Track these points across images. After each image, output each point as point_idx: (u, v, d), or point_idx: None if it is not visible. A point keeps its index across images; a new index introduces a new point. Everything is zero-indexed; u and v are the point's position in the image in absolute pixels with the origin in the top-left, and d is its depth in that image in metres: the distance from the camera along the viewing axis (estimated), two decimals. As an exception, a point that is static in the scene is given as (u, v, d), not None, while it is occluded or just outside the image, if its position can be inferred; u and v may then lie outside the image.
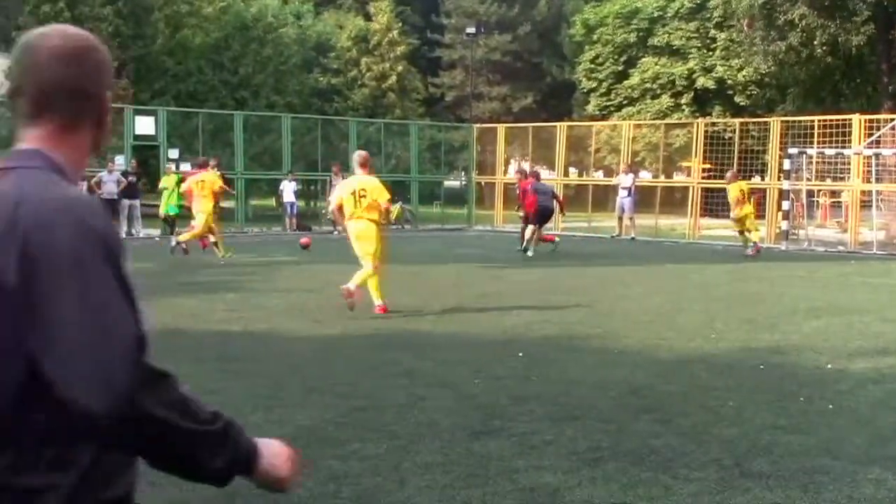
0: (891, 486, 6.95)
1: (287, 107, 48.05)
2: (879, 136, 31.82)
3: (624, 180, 36.16)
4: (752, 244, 27.90)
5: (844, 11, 36.26)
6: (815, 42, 36.26)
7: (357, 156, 16.05)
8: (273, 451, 2.58)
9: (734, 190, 27.82)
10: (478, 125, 47.31)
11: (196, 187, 24.12)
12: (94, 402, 2.20)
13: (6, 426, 2.27)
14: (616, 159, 41.18)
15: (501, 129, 43.82)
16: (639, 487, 6.77)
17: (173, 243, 24.98)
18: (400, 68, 58.92)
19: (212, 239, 24.54)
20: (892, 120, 32.15)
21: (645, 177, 42.42)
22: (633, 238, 35.32)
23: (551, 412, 8.91)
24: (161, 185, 32.39)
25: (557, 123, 43.29)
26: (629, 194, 35.94)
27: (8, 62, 2.52)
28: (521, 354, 11.86)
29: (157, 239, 31.42)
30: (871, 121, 32.75)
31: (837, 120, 33.11)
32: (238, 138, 36.67)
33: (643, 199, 39.46)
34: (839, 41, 36.27)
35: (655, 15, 60.86)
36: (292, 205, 37.34)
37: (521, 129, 44.94)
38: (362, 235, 15.40)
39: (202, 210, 23.74)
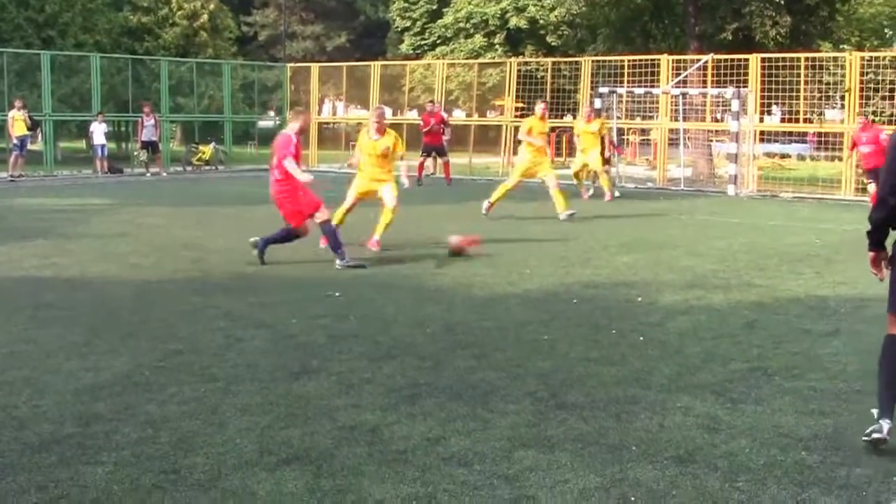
0: (698, 412, 7.21)
1: (96, 46, 46.57)
2: (686, 76, 32.59)
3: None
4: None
5: (655, -47, 36.91)
6: (626, -17, 36.82)
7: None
8: None
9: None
10: (291, 64, 46.87)
11: None
12: None
13: None
14: (430, 98, 41.30)
15: (315, 68, 43.50)
16: (457, 422, 6.89)
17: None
18: (212, 6, 57.62)
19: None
20: (699, 60, 32.93)
21: (459, 116, 42.55)
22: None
23: (369, 351, 8.98)
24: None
25: (372, 63, 43.14)
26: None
27: None
28: (338, 294, 11.89)
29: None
30: (678, 61, 33.48)
31: (646, 60, 33.77)
32: (45, 79, 35.57)
33: (457, 138, 39.71)
34: (649, -18, 36.90)
35: (466, -45, 60.97)
36: (102, 147, 36.28)
37: (335, 69, 44.65)
38: None
39: None
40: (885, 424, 6.36)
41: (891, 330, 6.59)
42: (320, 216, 14.12)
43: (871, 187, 23.08)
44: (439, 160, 32.78)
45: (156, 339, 9.39)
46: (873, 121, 25.10)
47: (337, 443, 6.43)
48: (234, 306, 11.09)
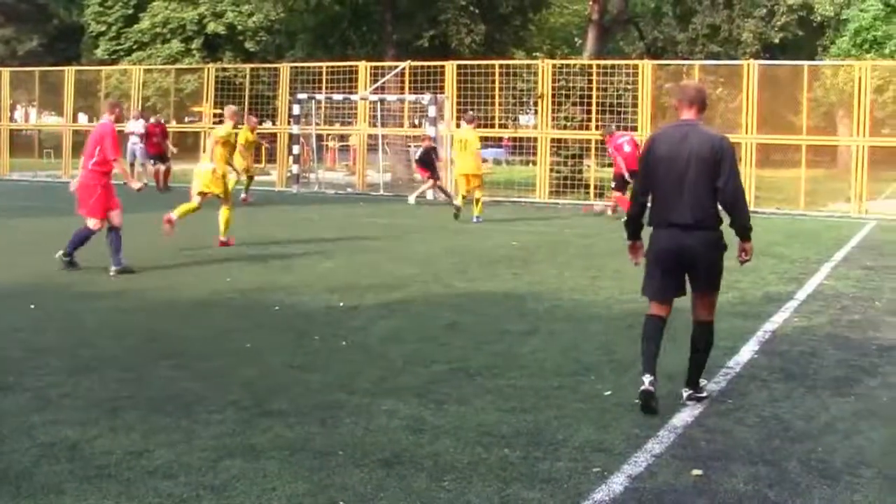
0: (403, 414, 7.31)
1: None
2: (384, 83, 32.98)
3: (134, 126, 35.44)
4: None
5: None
6: (323, -10, 37.01)
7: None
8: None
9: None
10: (-20, 69, 45.06)
11: None
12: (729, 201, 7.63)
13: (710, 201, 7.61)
14: (128, 104, 40.43)
15: (6, 73, 41.93)
16: (160, 434, 6.77)
17: None
18: None
19: None
20: (396, 67, 33.38)
21: (157, 122, 41.71)
22: (145, 184, 34.81)
23: (68, 364, 8.72)
24: None
25: (66, 67, 41.89)
26: (140, 140, 35.34)
27: None
28: (33, 306, 11.51)
29: None
30: (376, 68, 33.88)
31: (344, 66, 34.04)
32: None
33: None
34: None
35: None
36: None
37: (27, 74, 43.16)
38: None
39: None
40: (647, 378, 7.53)
41: (650, 311, 7.88)
42: (115, 218, 14.35)
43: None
44: (162, 167, 32.83)
45: None
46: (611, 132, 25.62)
47: (36, 461, 6.22)
48: (-79, 322, 10.60)
